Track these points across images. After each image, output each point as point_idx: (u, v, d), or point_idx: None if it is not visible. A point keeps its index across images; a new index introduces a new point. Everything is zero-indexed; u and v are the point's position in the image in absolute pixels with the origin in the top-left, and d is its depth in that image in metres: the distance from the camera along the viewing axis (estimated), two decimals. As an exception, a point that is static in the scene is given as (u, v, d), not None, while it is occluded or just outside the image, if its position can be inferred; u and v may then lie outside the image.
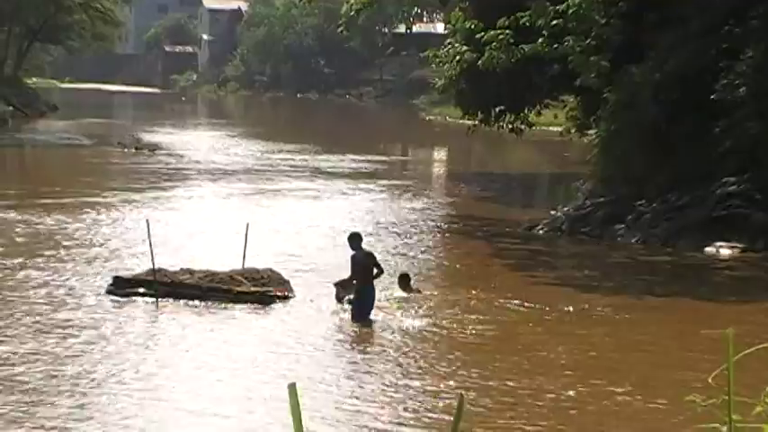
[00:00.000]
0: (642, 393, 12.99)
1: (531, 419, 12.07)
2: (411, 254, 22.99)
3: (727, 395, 3.76)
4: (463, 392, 12.12)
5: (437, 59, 33.66)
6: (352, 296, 16.94)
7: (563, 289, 19.58)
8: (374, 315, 16.68)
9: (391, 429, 11.75)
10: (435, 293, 18.57)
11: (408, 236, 25.45)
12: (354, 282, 16.87)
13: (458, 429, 2.58)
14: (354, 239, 17.23)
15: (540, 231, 26.40)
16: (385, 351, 14.92)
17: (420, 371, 13.91)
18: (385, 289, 18.06)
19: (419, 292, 18.26)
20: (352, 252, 17.02)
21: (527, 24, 27.80)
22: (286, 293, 17.76)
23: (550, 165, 47.08)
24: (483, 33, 28.66)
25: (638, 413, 12.43)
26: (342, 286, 17.26)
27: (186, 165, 41.35)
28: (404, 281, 18.44)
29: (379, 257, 17.59)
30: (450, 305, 17.60)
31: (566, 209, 27.41)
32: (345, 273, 17.18)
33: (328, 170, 40.35)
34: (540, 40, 27.57)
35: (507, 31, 28.07)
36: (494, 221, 28.67)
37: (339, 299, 17.29)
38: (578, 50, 26.55)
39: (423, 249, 23.84)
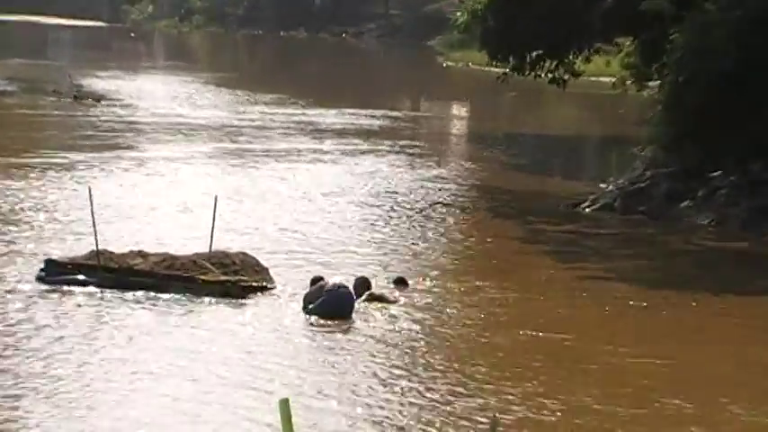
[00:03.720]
0: (734, 411, 13.03)
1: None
2: (424, 237, 22.92)
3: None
4: (497, 414, 12.11)
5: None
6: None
7: (615, 284, 19.53)
8: (363, 307, 16.65)
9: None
10: (454, 287, 18.52)
11: (420, 213, 25.38)
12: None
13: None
14: None
15: (587, 209, 26.37)
16: (382, 353, 14.84)
17: (423, 376, 13.85)
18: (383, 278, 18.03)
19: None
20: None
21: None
22: (263, 284, 17.74)
23: (600, 125, 47.05)
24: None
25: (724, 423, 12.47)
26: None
27: (140, 119, 41.28)
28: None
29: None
30: (472, 302, 17.54)
31: (619, 181, 27.37)
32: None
33: (320, 128, 40.26)
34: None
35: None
36: (528, 196, 28.62)
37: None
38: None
39: (439, 231, 23.78)
